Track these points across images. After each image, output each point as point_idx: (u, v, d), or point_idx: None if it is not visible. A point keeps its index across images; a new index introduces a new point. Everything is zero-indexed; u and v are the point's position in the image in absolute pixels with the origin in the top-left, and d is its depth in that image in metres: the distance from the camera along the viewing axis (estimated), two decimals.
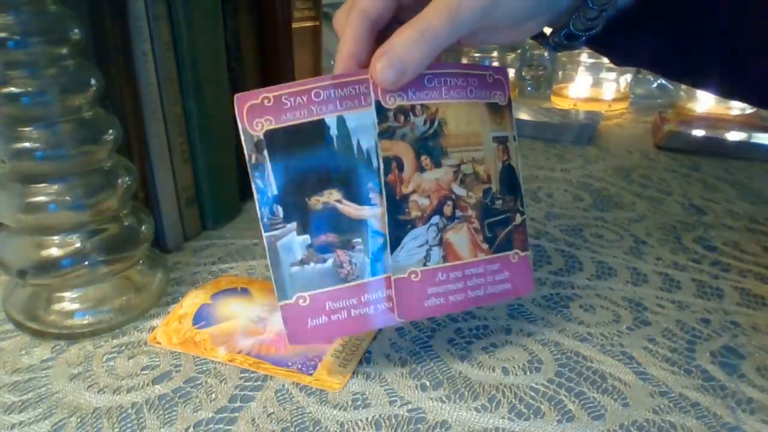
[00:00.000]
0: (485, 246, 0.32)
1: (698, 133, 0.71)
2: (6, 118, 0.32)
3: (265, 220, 0.29)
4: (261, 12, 0.52)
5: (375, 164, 0.30)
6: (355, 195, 0.29)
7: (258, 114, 0.28)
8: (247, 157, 0.28)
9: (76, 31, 0.32)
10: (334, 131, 0.29)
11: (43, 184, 0.33)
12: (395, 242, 0.30)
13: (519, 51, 0.95)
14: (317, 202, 0.29)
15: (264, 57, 0.54)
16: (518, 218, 0.33)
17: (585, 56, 0.89)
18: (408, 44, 0.27)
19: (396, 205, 0.30)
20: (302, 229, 0.29)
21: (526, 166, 0.65)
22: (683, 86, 0.83)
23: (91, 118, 0.34)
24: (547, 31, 0.33)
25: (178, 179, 0.45)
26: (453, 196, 0.31)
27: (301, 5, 0.55)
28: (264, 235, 0.29)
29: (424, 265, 0.30)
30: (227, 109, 0.48)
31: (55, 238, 0.34)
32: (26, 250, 0.34)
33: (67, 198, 0.33)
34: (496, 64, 0.94)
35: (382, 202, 0.29)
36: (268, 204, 0.29)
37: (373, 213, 0.30)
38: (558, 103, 0.92)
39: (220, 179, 0.49)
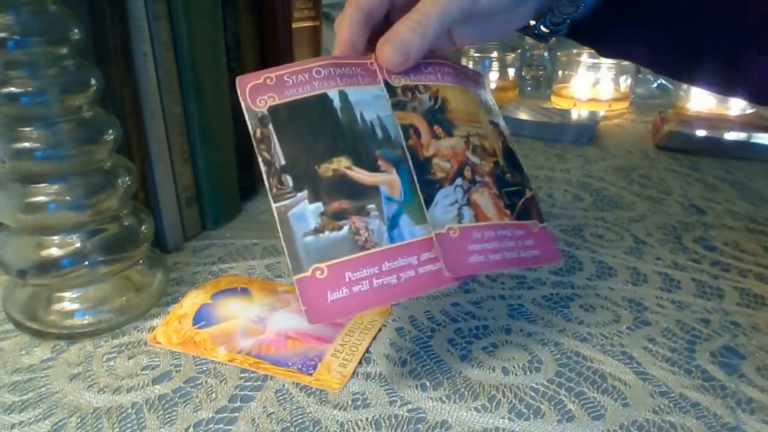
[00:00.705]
0: (507, 212, 0.32)
1: (698, 133, 0.71)
2: (6, 118, 0.32)
3: (274, 191, 0.28)
4: (261, 12, 0.52)
5: (380, 134, 0.30)
6: (364, 162, 0.29)
7: (261, 92, 0.29)
8: (251, 133, 0.28)
9: (76, 31, 0.32)
10: (337, 103, 0.30)
11: (43, 184, 0.33)
12: (428, 200, 0.29)
13: (519, 51, 0.95)
14: (327, 169, 0.28)
15: (264, 57, 0.54)
16: (528, 193, 0.33)
17: (585, 56, 0.89)
18: (408, 30, 0.30)
19: (421, 166, 0.30)
20: (314, 197, 0.28)
21: (526, 166, 0.65)
22: (683, 86, 0.83)
23: (91, 118, 0.34)
24: (532, 22, 0.35)
25: (178, 179, 0.45)
26: (470, 162, 0.31)
27: (301, 5, 0.55)
28: (273, 206, 0.28)
29: (459, 222, 0.30)
30: (227, 109, 0.48)
31: (55, 238, 0.34)
32: (26, 250, 0.34)
33: (67, 198, 0.33)
34: (495, 64, 0.94)
35: (392, 170, 0.29)
36: (275, 175, 0.28)
37: (386, 179, 0.29)
38: (558, 103, 0.92)
39: (220, 179, 0.49)
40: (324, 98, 0.29)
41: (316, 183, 0.28)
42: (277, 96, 0.29)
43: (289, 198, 0.28)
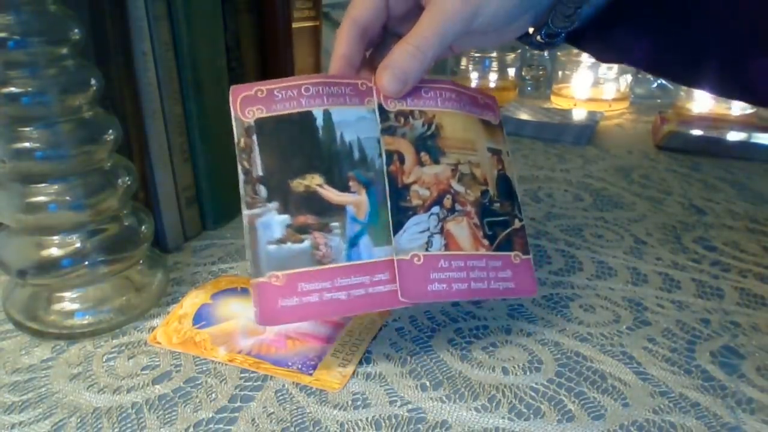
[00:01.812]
0: (486, 242, 0.32)
1: (698, 133, 0.71)
2: (6, 118, 0.32)
3: (248, 198, 0.29)
4: (261, 12, 0.52)
5: (357, 156, 0.31)
6: (336, 182, 0.31)
7: (250, 104, 0.30)
8: (236, 142, 0.30)
9: (76, 31, 0.32)
10: (320, 122, 0.31)
11: (43, 184, 0.33)
12: (397, 226, 0.31)
13: (519, 51, 0.95)
14: (299, 184, 0.30)
15: (264, 57, 0.54)
16: (517, 223, 0.34)
17: (585, 56, 0.89)
18: (406, 56, 0.31)
19: (398, 192, 0.31)
20: (283, 209, 0.30)
21: (526, 166, 0.65)
22: (683, 86, 0.83)
23: (91, 118, 0.34)
24: (530, 30, 0.35)
25: (178, 179, 0.45)
26: (452, 191, 0.32)
27: (301, 5, 0.55)
28: (244, 213, 0.29)
29: (426, 250, 0.31)
30: (227, 109, 0.48)
31: (55, 238, 0.34)
32: (26, 250, 0.34)
33: (67, 198, 0.33)
34: (495, 64, 0.94)
35: (362, 191, 0.31)
36: (251, 183, 0.30)
37: (353, 200, 0.31)
38: (558, 103, 0.92)
39: (220, 179, 0.49)
40: (308, 116, 0.31)
41: (287, 196, 0.30)
42: (264, 108, 0.31)
43: (260, 207, 0.29)
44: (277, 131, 0.30)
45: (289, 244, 0.29)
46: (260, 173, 0.30)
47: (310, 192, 0.30)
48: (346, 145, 0.31)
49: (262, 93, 0.31)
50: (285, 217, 0.30)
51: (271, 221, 0.29)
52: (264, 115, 0.30)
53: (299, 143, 0.30)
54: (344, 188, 0.31)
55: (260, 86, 0.31)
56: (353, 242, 0.30)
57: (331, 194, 0.30)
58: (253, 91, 0.31)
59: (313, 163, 0.30)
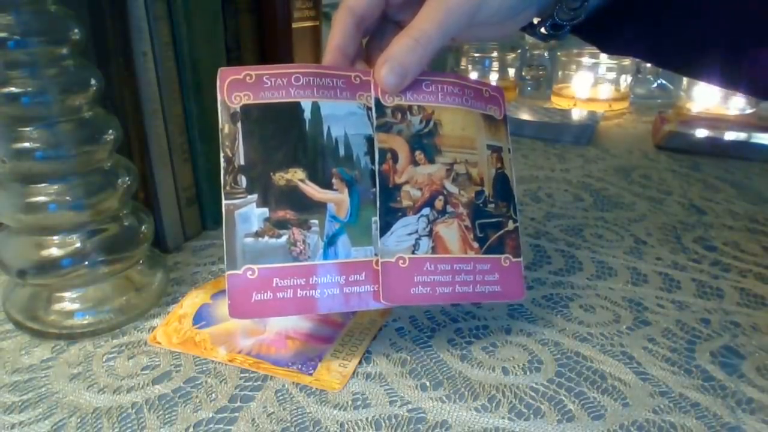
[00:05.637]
0: (476, 245, 0.32)
1: (698, 133, 0.71)
2: (6, 118, 0.32)
3: (227, 188, 0.29)
4: (261, 12, 0.52)
5: (342, 152, 0.30)
6: (319, 178, 0.30)
7: (238, 88, 0.30)
8: (220, 127, 0.29)
9: (76, 31, 0.32)
10: (307, 115, 0.30)
11: (43, 184, 0.33)
12: (385, 227, 0.30)
13: (519, 51, 0.95)
14: (281, 178, 0.30)
15: (264, 57, 0.54)
16: (511, 225, 0.33)
17: (585, 56, 0.89)
18: (406, 50, 0.30)
19: (388, 192, 0.31)
20: (262, 202, 0.29)
21: (526, 166, 0.65)
22: (683, 86, 0.83)
23: (91, 118, 0.34)
24: (535, 21, 0.35)
25: (178, 179, 0.45)
26: (445, 192, 0.32)
27: (301, 5, 0.55)
28: (223, 202, 0.29)
29: (413, 253, 0.30)
30: None
31: (55, 238, 0.34)
32: (26, 250, 0.34)
33: (67, 198, 0.33)
34: (495, 64, 0.94)
35: (344, 190, 0.30)
36: (232, 173, 0.29)
37: (335, 198, 0.30)
38: (558, 103, 0.92)
39: (220, 179, 0.49)
40: (296, 107, 0.30)
41: (267, 189, 0.29)
42: (252, 95, 0.30)
43: (240, 198, 0.29)
44: (263, 120, 0.30)
45: (266, 238, 0.29)
46: (242, 162, 0.29)
47: (291, 186, 0.30)
48: (332, 141, 0.30)
49: (251, 78, 0.30)
50: (264, 210, 0.29)
51: (249, 213, 0.29)
52: (251, 101, 0.30)
53: (285, 135, 0.30)
54: (327, 184, 0.30)
55: (249, 71, 0.30)
56: (331, 241, 0.30)
57: (313, 190, 0.30)
58: (242, 75, 0.30)
59: (297, 156, 0.30)
